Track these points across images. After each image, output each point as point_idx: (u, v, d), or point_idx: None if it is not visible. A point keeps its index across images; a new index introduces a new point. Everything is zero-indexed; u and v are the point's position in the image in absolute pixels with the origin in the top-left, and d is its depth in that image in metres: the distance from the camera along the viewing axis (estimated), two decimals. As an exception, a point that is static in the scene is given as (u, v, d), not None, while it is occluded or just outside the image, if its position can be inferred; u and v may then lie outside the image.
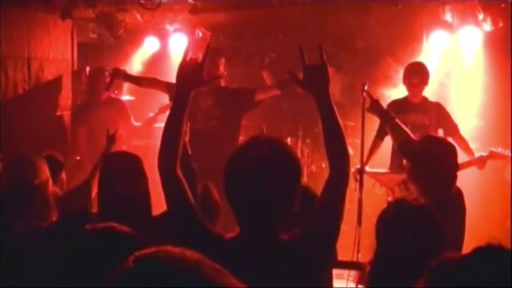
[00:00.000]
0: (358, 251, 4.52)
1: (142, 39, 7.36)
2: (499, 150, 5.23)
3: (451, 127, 5.34)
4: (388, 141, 4.99)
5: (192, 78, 2.31)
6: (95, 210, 3.22)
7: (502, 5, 5.81)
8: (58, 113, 6.81)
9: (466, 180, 3.91)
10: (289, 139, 6.87)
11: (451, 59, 6.55)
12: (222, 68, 5.47)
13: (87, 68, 6.99)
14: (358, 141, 4.90)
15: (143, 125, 6.54)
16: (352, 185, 4.52)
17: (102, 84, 6.31)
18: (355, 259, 4.49)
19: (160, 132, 2.29)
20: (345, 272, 5.01)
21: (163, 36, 7.30)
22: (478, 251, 1.54)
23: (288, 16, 6.91)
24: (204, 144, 4.76)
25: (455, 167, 3.39)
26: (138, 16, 6.55)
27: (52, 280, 1.68)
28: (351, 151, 2.28)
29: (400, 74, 5.57)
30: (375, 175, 5.26)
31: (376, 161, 5.45)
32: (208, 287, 1.00)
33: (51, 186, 3.45)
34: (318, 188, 2.32)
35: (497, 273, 1.48)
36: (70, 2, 6.19)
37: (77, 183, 4.29)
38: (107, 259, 1.31)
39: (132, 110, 6.67)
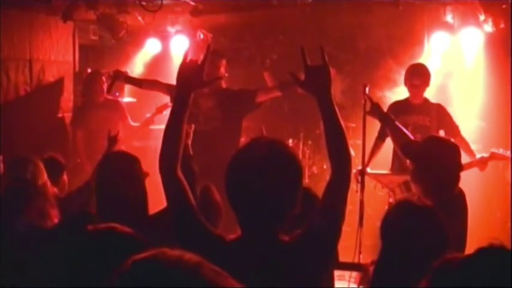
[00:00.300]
0: (360, 252, 4.52)
1: (144, 41, 7.36)
2: (500, 151, 5.23)
3: (452, 128, 5.33)
4: (389, 143, 4.99)
5: (192, 79, 2.31)
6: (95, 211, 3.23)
7: (503, 6, 5.80)
8: (59, 115, 6.81)
9: (468, 181, 3.90)
10: (290, 140, 6.87)
11: (452, 60, 6.55)
12: (222, 70, 5.47)
13: (88, 70, 7.00)
14: (360, 142, 4.89)
15: (141, 126, 6.54)
16: (354, 186, 4.52)
17: (99, 86, 6.32)
18: (356, 260, 4.49)
19: (159, 134, 2.30)
20: (346, 274, 5.01)
21: (164, 38, 7.31)
22: (481, 252, 1.54)
23: (288, 17, 6.91)
24: (205, 145, 4.75)
25: (459, 167, 3.38)
26: (139, 18, 6.56)
27: (53, 280, 1.68)
28: (352, 152, 2.28)
29: (401, 75, 5.56)
30: (376, 176, 5.26)
31: (377, 163, 5.44)
32: (207, 289, 0.99)
33: (50, 187, 3.46)
34: (319, 189, 2.32)
35: (499, 273, 1.48)
36: (71, 4, 6.19)
37: (78, 184, 4.29)
38: (108, 260, 1.32)
39: (133, 111, 6.67)
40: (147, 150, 6.23)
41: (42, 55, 6.55)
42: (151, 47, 7.41)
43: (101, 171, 3.18)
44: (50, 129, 6.56)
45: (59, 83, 6.82)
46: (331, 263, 2.42)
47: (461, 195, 3.36)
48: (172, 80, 2.45)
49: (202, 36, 6.79)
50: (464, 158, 4.94)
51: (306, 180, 6.45)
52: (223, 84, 5.63)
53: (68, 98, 6.94)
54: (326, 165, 6.59)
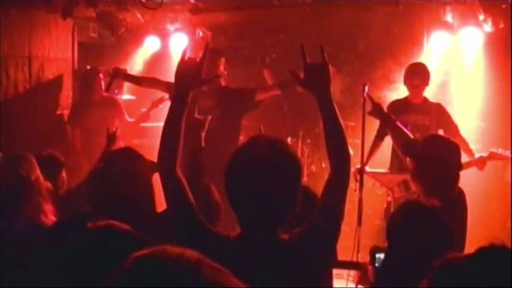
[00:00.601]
0: (358, 251, 4.52)
1: (143, 39, 7.36)
2: (500, 151, 5.23)
3: (451, 128, 5.33)
4: (388, 142, 4.99)
5: (190, 77, 2.31)
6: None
7: (503, 6, 5.81)
8: (58, 112, 6.81)
9: (467, 181, 3.90)
10: (289, 139, 6.86)
11: (451, 60, 6.55)
12: (222, 68, 5.47)
13: (88, 68, 6.99)
14: (359, 141, 4.89)
15: (136, 121, 6.50)
16: (352, 185, 4.52)
17: (96, 84, 6.31)
18: (355, 259, 4.50)
19: (156, 132, 2.29)
20: (345, 272, 5.01)
21: (164, 36, 7.30)
22: (482, 251, 1.54)
23: (289, 17, 6.91)
24: (204, 144, 4.75)
25: (459, 166, 3.39)
26: (139, 15, 6.55)
27: (53, 279, 1.68)
28: (351, 151, 2.28)
29: (401, 74, 5.56)
30: (375, 175, 5.26)
31: (376, 161, 5.45)
32: (208, 287, 0.99)
33: (43, 182, 3.48)
34: (318, 188, 2.32)
35: (500, 273, 1.48)
36: (71, 1, 6.19)
37: (77, 182, 4.29)
38: (107, 257, 1.31)
39: (132, 109, 6.66)
40: (143, 149, 6.20)
41: (42, 52, 6.55)
42: (150, 44, 7.40)
43: (101, 170, 3.15)
44: (49, 126, 6.55)
45: (58, 80, 6.82)
46: (330, 261, 2.42)
47: (461, 194, 3.36)
48: (172, 78, 2.44)
49: (201, 34, 6.78)
50: (463, 158, 4.94)
51: (305, 179, 6.45)
52: (223, 83, 5.62)
53: (67, 96, 6.94)
54: (325, 164, 6.59)
